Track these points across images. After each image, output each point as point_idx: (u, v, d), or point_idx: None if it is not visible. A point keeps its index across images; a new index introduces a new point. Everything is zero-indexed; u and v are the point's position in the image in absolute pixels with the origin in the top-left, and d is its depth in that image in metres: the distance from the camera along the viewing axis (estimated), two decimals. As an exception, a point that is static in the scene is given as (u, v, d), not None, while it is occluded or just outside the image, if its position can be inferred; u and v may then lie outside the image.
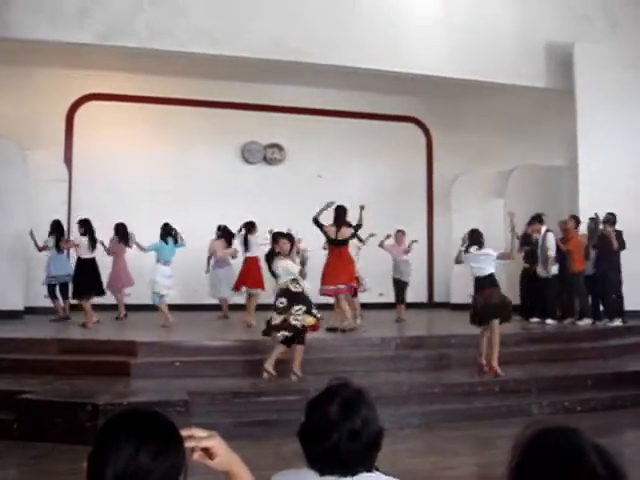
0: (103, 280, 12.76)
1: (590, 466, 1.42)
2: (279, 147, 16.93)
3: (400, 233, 13.52)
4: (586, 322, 12.52)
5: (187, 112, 15.89)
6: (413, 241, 13.65)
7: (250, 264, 12.66)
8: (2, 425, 7.06)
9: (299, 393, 7.48)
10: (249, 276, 12.61)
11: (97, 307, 12.46)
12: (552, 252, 12.82)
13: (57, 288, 12.86)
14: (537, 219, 13.18)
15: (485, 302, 9.06)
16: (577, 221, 12.94)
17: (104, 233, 12.82)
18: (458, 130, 17.15)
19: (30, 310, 13.18)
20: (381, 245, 13.29)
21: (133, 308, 13.41)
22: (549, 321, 12.79)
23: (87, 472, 1.57)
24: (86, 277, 12.23)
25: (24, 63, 13.81)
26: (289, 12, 12.73)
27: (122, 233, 12.98)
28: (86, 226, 12.45)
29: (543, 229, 13.08)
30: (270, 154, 16.91)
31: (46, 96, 14.87)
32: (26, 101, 14.64)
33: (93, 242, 12.42)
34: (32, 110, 14.65)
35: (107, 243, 12.94)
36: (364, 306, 14.11)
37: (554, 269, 12.97)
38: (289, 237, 8.91)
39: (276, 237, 8.94)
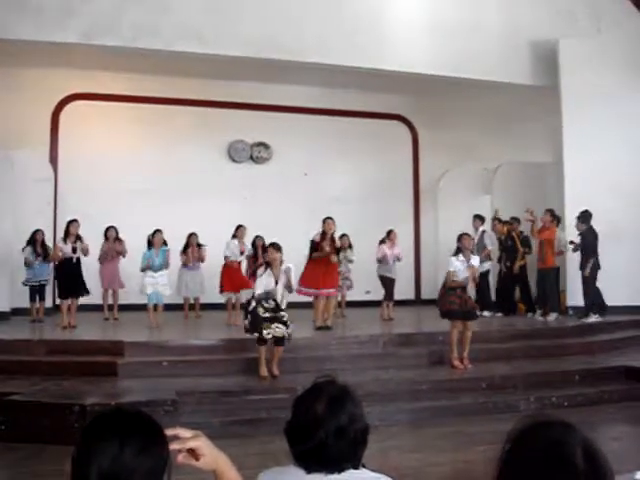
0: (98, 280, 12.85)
1: (571, 458, 1.45)
2: (265, 146, 16.92)
3: (393, 233, 13.48)
4: (553, 317, 12.68)
5: (173, 111, 15.86)
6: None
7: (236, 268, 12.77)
8: (-11, 427, 7.04)
9: (287, 391, 7.49)
10: (239, 280, 12.66)
11: (84, 307, 12.45)
12: (490, 248, 13.74)
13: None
14: (478, 217, 14.04)
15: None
16: (554, 216, 13.03)
17: (90, 234, 12.77)
18: (444, 127, 17.20)
19: (16, 311, 13.11)
20: (379, 260, 13.32)
21: (120, 308, 13.38)
22: (486, 313, 13.47)
23: (71, 472, 1.57)
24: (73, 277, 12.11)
25: (9, 63, 13.73)
26: (276, 11, 12.70)
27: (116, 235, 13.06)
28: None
29: (481, 228, 13.83)
30: (256, 153, 16.91)
31: (31, 96, 14.80)
32: (11, 101, 14.57)
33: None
34: (17, 110, 14.58)
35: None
36: (351, 304, 14.19)
37: (487, 265, 13.68)
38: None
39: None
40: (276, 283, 8.68)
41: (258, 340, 8.52)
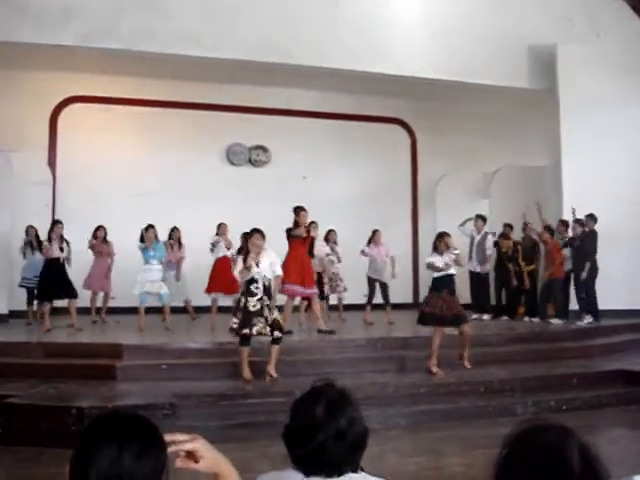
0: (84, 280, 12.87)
1: (568, 462, 1.45)
2: (264, 149, 16.94)
3: (378, 233, 13.45)
4: (557, 322, 12.69)
5: (171, 114, 15.88)
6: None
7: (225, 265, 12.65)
8: (-13, 430, 7.03)
9: (285, 395, 7.48)
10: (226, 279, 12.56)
11: (78, 310, 12.43)
12: (490, 252, 13.89)
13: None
14: (481, 218, 14.14)
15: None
16: (550, 230, 13.11)
17: (87, 236, 12.82)
18: (442, 131, 17.22)
19: (14, 314, 13.10)
20: (363, 253, 13.26)
21: (119, 311, 13.37)
22: (485, 317, 13.70)
23: (69, 475, 1.57)
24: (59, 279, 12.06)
25: (7, 66, 13.74)
26: (273, 14, 12.73)
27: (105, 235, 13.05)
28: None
29: (485, 229, 14.02)
30: (255, 156, 16.92)
31: (30, 98, 14.82)
32: (9, 103, 14.59)
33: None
34: (16, 112, 14.60)
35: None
36: (347, 307, 14.15)
37: (487, 267, 14.00)
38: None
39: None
40: (257, 265, 8.57)
41: (241, 340, 8.47)
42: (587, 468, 1.46)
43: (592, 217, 12.87)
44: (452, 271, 9.30)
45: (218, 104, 16.08)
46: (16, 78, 14.57)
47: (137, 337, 10.67)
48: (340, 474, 2.11)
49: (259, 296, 8.47)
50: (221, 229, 12.83)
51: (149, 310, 12.19)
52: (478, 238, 13.92)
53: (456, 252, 9.54)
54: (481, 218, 14.09)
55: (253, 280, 8.53)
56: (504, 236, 14.08)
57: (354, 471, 2.14)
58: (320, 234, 12.59)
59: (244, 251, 8.90)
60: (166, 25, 12.21)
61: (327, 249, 13.29)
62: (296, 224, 11.01)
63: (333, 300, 13.97)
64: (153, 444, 1.61)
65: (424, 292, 17.30)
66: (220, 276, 12.43)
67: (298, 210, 11.06)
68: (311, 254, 11.41)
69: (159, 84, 15.33)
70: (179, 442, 1.75)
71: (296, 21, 12.86)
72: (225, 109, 16.22)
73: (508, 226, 14.20)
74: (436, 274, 9.25)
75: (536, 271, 13.71)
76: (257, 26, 12.59)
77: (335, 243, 13.42)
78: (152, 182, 15.37)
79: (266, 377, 8.50)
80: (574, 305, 13.06)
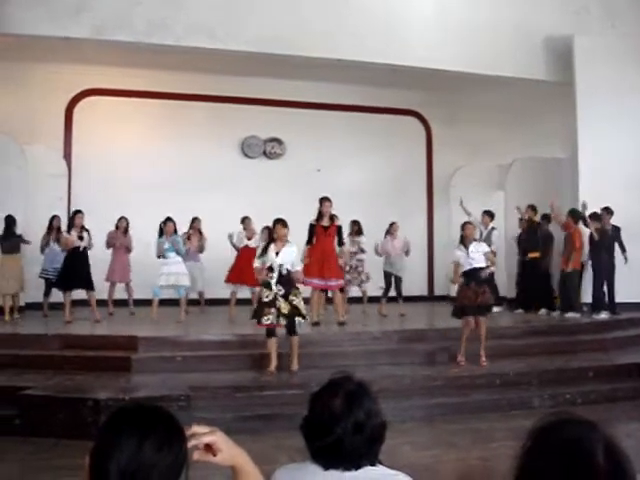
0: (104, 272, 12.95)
1: (592, 456, 1.44)
2: (279, 141, 16.91)
3: (394, 226, 13.45)
4: (573, 315, 12.60)
5: (186, 107, 15.87)
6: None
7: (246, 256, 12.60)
8: (4, 421, 7.07)
9: (301, 387, 7.50)
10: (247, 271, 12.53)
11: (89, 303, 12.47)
12: (494, 246, 13.51)
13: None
14: (487, 213, 14.02)
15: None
16: (575, 217, 12.97)
17: (103, 229, 12.86)
18: (458, 123, 17.15)
19: (29, 306, 13.15)
20: (376, 251, 13.29)
21: (134, 303, 13.41)
22: (496, 309, 13.59)
23: (90, 467, 1.56)
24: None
25: (22, 58, 13.78)
26: (287, 6, 12.69)
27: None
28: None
29: (491, 225, 13.90)
30: (270, 148, 16.90)
31: (45, 91, 14.85)
32: (25, 96, 14.63)
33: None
34: (31, 105, 14.63)
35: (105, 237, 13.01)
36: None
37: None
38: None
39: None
40: (276, 255, 8.61)
41: (267, 332, 8.52)
42: (612, 462, 1.44)
43: (608, 210, 12.76)
44: (481, 264, 9.30)
45: (233, 96, 16.07)
46: (31, 70, 14.60)
47: (152, 329, 10.68)
48: (358, 467, 2.10)
49: (272, 286, 8.49)
50: (245, 223, 12.80)
51: (166, 302, 12.23)
52: (485, 233, 13.87)
53: (486, 250, 9.63)
54: (488, 214, 13.99)
55: (270, 269, 8.56)
56: (532, 208, 13.92)
57: (372, 464, 2.14)
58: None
59: (268, 240, 8.96)
60: (180, 17, 12.20)
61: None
62: (320, 214, 11.09)
63: (356, 292, 13.88)
64: (174, 436, 1.61)
65: (439, 284, 17.49)
66: (242, 267, 12.38)
67: (322, 200, 11.17)
68: (340, 243, 11.47)
69: (174, 76, 15.33)
70: (198, 435, 1.74)
71: (310, 13, 12.80)
72: (240, 101, 16.20)
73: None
74: (467, 267, 9.28)
75: (542, 259, 13.55)
76: (271, 18, 12.55)
77: (360, 234, 13.38)
78: (167, 175, 15.38)
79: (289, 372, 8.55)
80: (587, 298, 13.00)
